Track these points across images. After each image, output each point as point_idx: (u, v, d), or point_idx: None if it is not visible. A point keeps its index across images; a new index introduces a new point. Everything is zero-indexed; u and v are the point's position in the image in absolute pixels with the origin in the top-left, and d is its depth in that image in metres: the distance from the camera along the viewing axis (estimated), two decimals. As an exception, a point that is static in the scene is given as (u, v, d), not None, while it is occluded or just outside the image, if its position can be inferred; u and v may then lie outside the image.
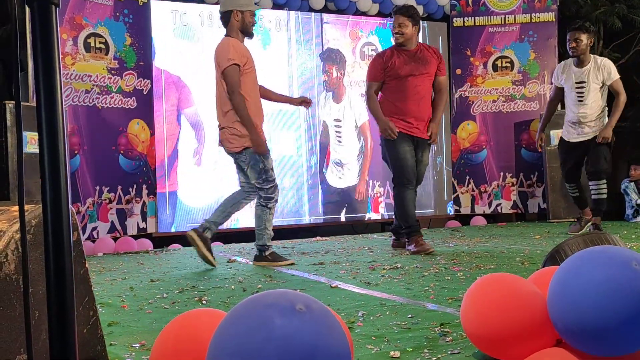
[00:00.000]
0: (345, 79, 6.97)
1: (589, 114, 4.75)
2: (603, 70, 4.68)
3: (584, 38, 4.66)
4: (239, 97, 3.54)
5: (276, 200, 3.72)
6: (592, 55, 4.77)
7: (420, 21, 4.13)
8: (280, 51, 6.50)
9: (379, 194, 6.67)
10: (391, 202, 4.75)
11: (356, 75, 7.01)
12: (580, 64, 4.74)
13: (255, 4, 3.81)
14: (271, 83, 5.36)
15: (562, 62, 4.99)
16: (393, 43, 4.24)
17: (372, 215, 6.66)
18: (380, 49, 6.86)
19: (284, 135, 6.41)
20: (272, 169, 3.67)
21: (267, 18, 6.37)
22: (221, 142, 3.72)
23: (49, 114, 0.89)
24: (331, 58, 6.99)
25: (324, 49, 6.80)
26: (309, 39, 6.69)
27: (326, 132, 6.77)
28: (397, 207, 4.13)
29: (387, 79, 4.14)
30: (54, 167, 0.88)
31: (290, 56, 6.56)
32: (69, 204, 0.91)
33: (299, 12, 6.57)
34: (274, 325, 1.01)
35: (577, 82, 4.76)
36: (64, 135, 0.91)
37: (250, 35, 3.74)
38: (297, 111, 6.41)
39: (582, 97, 4.75)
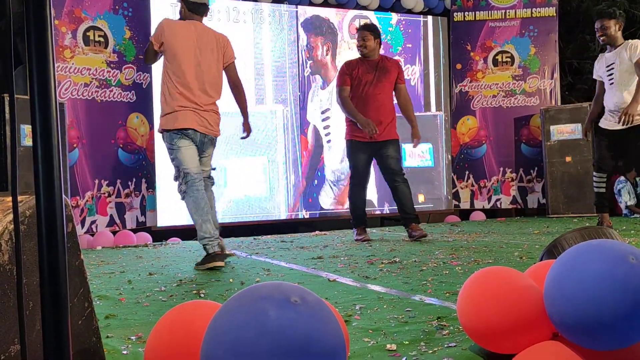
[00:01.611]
0: (336, 59, 6.23)
1: (626, 99, 4.38)
2: (631, 49, 4.38)
3: (612, 24, 4.42)
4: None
5: None
6: (625, 40, 4.50)
7: (381, 35, 4.77)
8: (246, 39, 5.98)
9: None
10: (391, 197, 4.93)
11: (344, 58, 5.91)
12: (611, 49, 4.52)
13: None
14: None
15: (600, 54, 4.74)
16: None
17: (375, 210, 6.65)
18: (376, 22, 6.52)
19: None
20: None
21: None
22: (212, 127, 3.54)
23: (42, 104, 0.89)
24: (316, 27, 6.12)
25: (300, 21, 6.08)
26: (281, 24, 6.16)
27: (319, 142, 6.29)
28: (349, 200, 4.81)
29: (352, 86, 4.62)
30: (47, 157, 0.88)
31: (259, 43, 6.04)
32: (62, 195, 0.90)
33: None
34: (268, 317, 1.01)
35: (607, 66, 4.52)
36: (57, 125, 0.91)
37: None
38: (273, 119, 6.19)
39: (612, 79, 4.46)
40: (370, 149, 4.61)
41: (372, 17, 6.71)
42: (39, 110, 0.87)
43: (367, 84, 4.57)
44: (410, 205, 4.58)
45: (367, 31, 4.67)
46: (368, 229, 5.45)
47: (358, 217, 4.77)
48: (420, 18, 6.96)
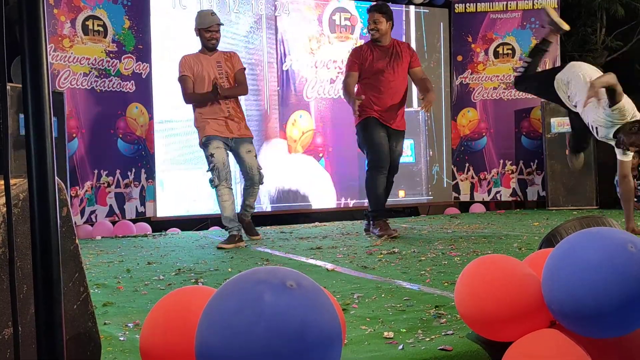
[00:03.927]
0: (306, 59, 6.06)
1: None
2: None
3: None
4: (187, 99, 4.25)
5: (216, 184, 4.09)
6: None
7: (393, 17, 4.42)
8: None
9: None
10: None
11: (325, 52, 6.10)
12: None
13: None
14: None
15: None
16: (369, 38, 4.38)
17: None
18: (357, 16, 6.28)
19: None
20: (210, 155, 4.11)
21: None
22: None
23: (34, 85, 0.88)
24: (297, 20, 5.85)
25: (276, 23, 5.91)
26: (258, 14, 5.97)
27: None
28: (368, 190, 4.29)
29: (363, 73, 4.32)
30: (39, 139, 0.87)
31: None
32: (54, 177, 0.89)
33: None
34: (263, 302, 1.00)
35: None
36: (50, 109, 0.89)
37: (209, 48, 4.25)
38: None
39: None
40: (385, 130, 4.27)
41: (352, 6, 6.41)
42: (32, 91, 0.86)
43: (379, 72, 4.28)
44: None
45: (379, 13, 4.30)
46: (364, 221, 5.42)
47: (379, 208, 4.23)
48: (402, 8, 6.76)
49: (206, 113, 4.16)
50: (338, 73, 6.22)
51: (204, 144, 4.15)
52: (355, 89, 4.37)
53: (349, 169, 6.40)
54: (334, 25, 6.27)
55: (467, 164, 6.95)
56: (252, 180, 4.27)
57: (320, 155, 6.35)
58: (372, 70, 4.29)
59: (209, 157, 4.10)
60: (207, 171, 4.15)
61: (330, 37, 6.24)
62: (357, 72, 4.32)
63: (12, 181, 1.04)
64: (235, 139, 4.21)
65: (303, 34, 6.17)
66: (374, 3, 4.54)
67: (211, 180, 4.10)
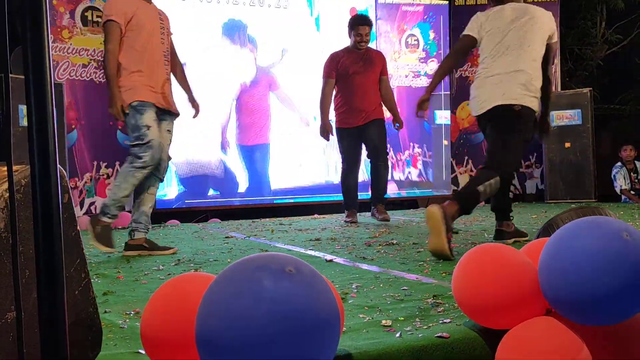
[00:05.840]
0: (391, 65, 6.99)
1: None
2: None
3: None
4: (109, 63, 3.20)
5: (144, 165, 3.19)
6: None
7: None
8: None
9: None
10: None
11: (402, 61, 7.25)
12: None
13: None
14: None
15: None
16: (350, 46, 4.83)
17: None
18: (421, 40, 7.16)
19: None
20: (145, 127, 3.18)
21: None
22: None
23: (36, 74, 0.89)
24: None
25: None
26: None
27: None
28: (341, 184, 4.96)
29: (338, 76, 4.79)
30: (41, 125, 0.88)
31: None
32: (57, 163, 0.91)
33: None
34: (263, 287, 1.02)
35: None
36: (51, 95, 0.90)
37: None
38: None
39: None
40: (356, 133, 4.77)
41: (418, 32, 7.11)
42: (33, 74, 0.87)
43: (354, 74, 4.72)
44: (383, 187, 4.85)
45: (369, 26, 4.80)
46: (365, 213, 5.47)
47: (349, 201, 4.92)
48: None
49: (144, 71, 3.25)
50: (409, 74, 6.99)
51: (135, 109, 3.18)
52: (334, 91, 4.84)
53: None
54: (408, 44, 7.18)
55: (466, 157, 6.96)
56: (158, 170, 3.32)
57: None
58: (345, 74, 4.74)
59: (141, 128, 3.18)
60: (131, 144, 3.23)
61: (405, 50, 7.20)
62: (334, 79, 4.78)
63: (14, 167, 1.05)
64: (165, 112, 3.36)
65: (386, 51, 6.93)
66: (358, 16, 5.07)
67: (137, 156, 3.17)
